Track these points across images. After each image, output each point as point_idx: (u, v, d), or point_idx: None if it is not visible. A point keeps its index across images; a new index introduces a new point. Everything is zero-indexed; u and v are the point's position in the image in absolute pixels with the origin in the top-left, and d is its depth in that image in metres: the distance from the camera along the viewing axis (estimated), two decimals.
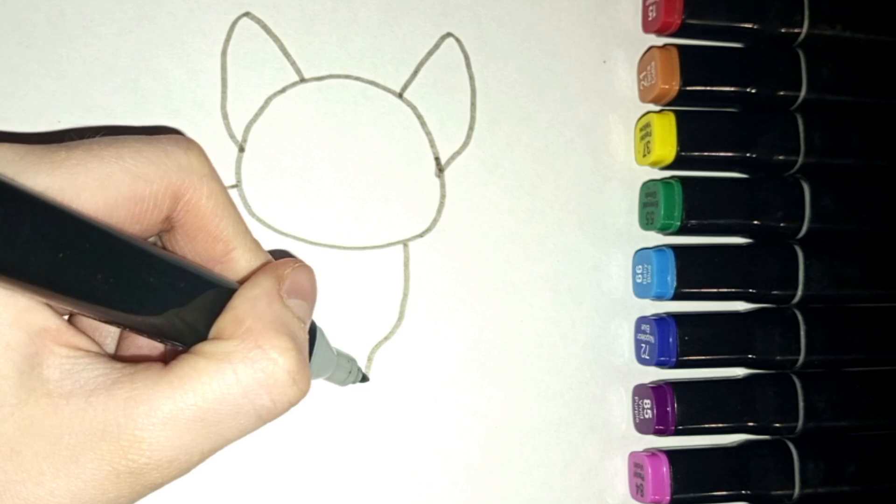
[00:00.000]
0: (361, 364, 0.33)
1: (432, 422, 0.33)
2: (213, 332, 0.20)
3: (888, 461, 0.35)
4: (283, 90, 0.33)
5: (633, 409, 0.35)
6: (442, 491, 0.33)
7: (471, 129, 0.34)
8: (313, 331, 0.25)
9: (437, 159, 0.34)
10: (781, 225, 0.34)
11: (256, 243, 0.23)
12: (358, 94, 0.34)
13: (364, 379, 0.32)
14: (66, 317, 0.20)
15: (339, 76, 0.34)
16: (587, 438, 0.35)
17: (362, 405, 0.33)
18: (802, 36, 0.34)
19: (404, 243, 0.34)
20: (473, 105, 0.35)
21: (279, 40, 0.33)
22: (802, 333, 0.34)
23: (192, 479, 0.31)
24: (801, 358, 0.34)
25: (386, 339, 0.33)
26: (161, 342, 0.21)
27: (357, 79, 0.34)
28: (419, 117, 0.34)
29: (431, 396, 0.33)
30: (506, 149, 0.35)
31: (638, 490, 0.34)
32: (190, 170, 0.21)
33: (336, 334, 0.33)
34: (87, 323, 0.23)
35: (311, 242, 0.33)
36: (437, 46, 0.34)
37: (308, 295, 0.23)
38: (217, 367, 0.19)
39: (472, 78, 0.35)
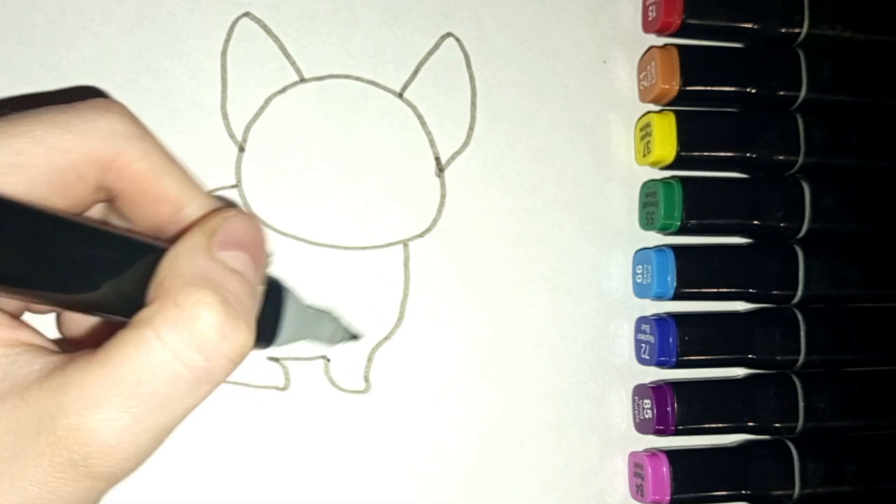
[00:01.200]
0: (361, 364, 0.33)
1: (432, 422, 0.33)
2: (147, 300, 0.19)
3: (888, 461, 0.35)
4: (283, 90, 0.33)
5: (633, 409, 0.35)
6: (442, 491, 0.33)
7: (471, 129, 0.34)
8: (279, 288, 0.23)
9: (437, 159, 0.34)
10: (781, 225, 0.34)
11: (209, 198, 0.22)
12: (358, 94, 0.34)
13: (354, 337, 0.28)
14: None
15: (339, 76, 0.34)
16: (587, 438, 0.35)
17: (362, 405, 0.33)
18: (802, 36, 0.34)
19: (404, 243, 0.34)
20: (473, 105, 0.35)
21: (279, 40, 0.33)
22: (802, 333, 0.34)
23: (189, 477, 0.31)
24: (801, 358, 0.34)
25: (386, 339, 0.33)
26: (105, 319, 0.20)
27: (357, 79, 0.34)
28: (419, 117, 0.34)
29: (431, 396, 0.33)
30: (506, 149, 0.35)
31: (638, 490, 0.34)
32: (113, 133, 0.20)
33: None
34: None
35: (311, 242, 0.33)
36: (437, 46, 0.34)
37: (248, 245, 0.20)
38: (139, 334, 0.18)
39: (472, 78, 0.35)
